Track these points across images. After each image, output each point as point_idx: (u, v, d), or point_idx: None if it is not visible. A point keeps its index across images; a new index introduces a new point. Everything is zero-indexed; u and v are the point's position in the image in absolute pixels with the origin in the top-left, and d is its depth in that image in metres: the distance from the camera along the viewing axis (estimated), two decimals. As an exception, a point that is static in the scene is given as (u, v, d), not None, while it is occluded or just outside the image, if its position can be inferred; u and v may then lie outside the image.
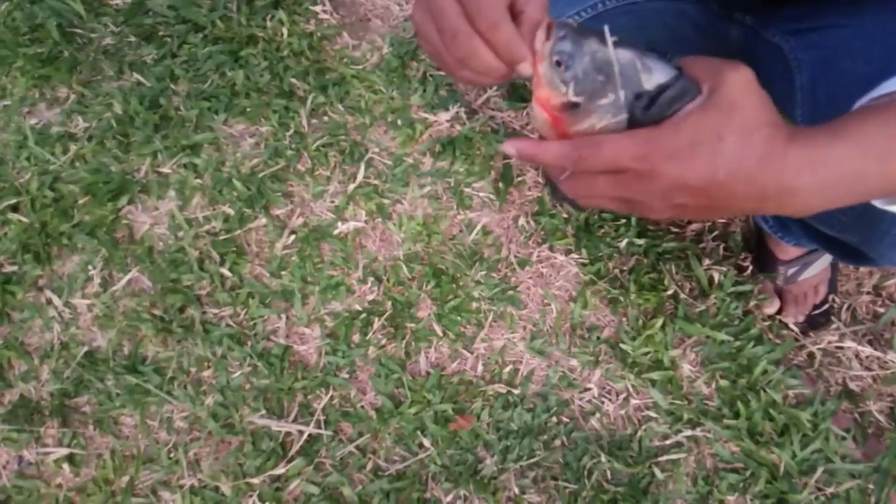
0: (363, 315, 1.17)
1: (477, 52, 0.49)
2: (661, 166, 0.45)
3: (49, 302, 1.23)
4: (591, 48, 0.46)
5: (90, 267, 1.24)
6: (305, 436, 1.10)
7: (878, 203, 0.51)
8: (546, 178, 0.57)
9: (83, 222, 1.27)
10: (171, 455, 1.12)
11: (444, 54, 0.51)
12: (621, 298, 1.15)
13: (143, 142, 1.33)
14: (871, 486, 1.02)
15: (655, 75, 0.46)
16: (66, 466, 1.12)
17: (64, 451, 1.12)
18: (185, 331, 1.18)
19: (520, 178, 1.25)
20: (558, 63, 0.47)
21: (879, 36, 0.63)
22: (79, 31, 1.46)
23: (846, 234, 0.71)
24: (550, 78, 0.47)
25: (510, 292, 1.17)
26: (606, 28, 0.47)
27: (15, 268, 1.25)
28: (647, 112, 0.46)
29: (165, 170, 1.31)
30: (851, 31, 0.66)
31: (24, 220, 1.28)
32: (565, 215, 1.19)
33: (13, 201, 1.29)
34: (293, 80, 1.36)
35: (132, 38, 1.44)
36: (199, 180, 1.30)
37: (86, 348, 1.19)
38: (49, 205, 1.29)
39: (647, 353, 1.10)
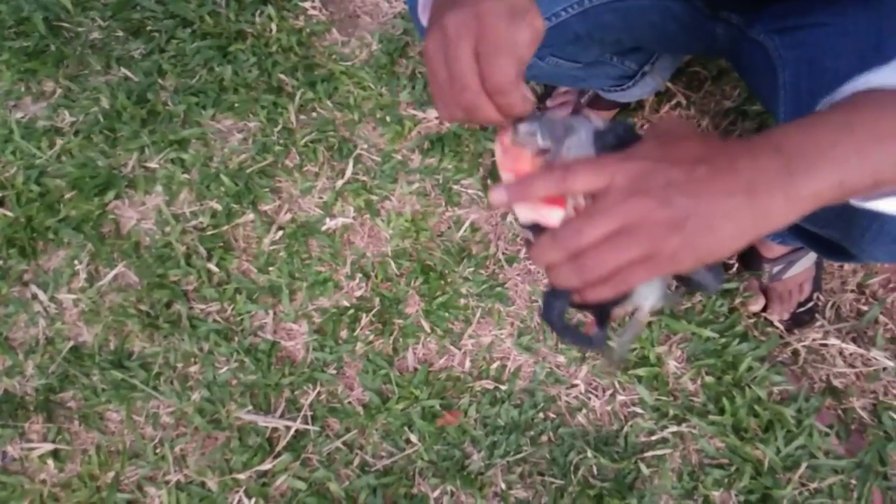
0: (351, 311, 1.17)
1: (481, 108, 0.51)
2: (648, 161, 0.46)
3: (34, 297, 1.23)
4: (543, 115, 0.53)
5: (76, 262, 1.24)
6: (292, 431, 1.10)
7: (854, 201, 0.51)
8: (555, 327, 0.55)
9: (69, 217, 1.26)
10: (157, 451, 1.11)
11: (446, 94, 0.52)
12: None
13: (131, 137, 1.32)
14: (853, 482, 1.03)
15: (599, 122, 0.52)
16: (50, 462, 1.12)
17: (49, 447, 1.12)
18: (171, 326, 1.17)
19: (508, 175, 1.25)
20: (520, 121, 0.53)
21: (861, 34, 0.64)
22: (65, 24, 1.45)
23: (828, 229, 0.71)
24: (519, 138, 0.52)
25: (498, 289, 1.17)
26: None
27: (0, 262, 1.25)
28: (611, 144, 0.51)
29: (153, 165, 1.30)
30: (834, 30, 0.66)
31: (10, 214, 1.27)
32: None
33: (-2, 195, 1.28)
34: (282, 76, 1.36)
35: (120, 33, 1.44)
36: (186, 175, 1.29)
37: (71, 343, 1.18)
38: (35, 199, 1.28)
39: (633, 350, 1.11)
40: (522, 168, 0.53)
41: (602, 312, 0.54)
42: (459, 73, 0.50)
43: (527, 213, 0.52)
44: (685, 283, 0.54)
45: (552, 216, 0.51)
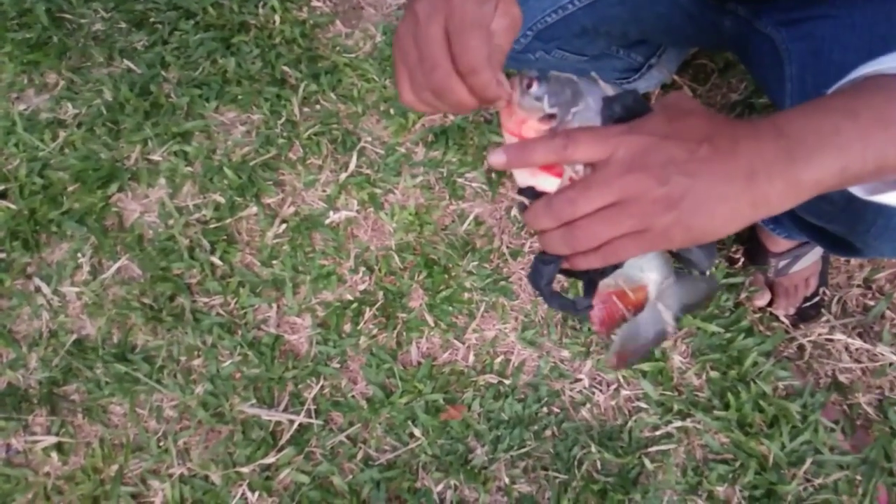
0: (354, 305, 1.17)
1: (452, 90, 0.50)
2: (651, 137, 0.46)
3: (38, 289, 1.23)
4: (553, 75, 0.52)
5: (79, 255, 1.24)
6: (296, 425, 1.10)
7: (860, 193, 0.51)
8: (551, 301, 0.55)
9: (72, 209, 1.26)
10: (161, 444, 1.11)
11: (415, 77, 0.51)
12: (613, 289, 1.15)
13: (134, 129, 1.32)
14: (858, 478, 1.02)
15: (609, 89, 0.51)
16: (54, 455, 1.12)
17: (52, 440, 1.12)
18: (174, 319, 1.17)
19: (512, 169, 1.24)
20: (528, 86, 0.51)
21: (869, 26, 0.63)
22: (68, 16, 1.44)
23: (833, 224, 0.71)
24: (526, 101, 0.51)
25: (502, 283, 1.17)
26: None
27: (3, 255, 1.25)
28: (618, 114, 0.50)
29: (156, 157, 1.30)
30: (840, 22, 0.65)
31: (13, 206, 1.27)
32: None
33: (1, 188, 1.28)
34: (285, 68, 1.35)
35: (123, 24, 1.43)
36: (189, 168, 1.29)
37: (75, 336, 1.18)
38: (38, 192, 1.28)
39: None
40: (526, 132, 0.52)
41: (590, 281, 0.55)
42: (429, 52, 0.49)
43: (525, 177, 0.52)
44: (677, 260, 0.54)
45: (549, 183, 0.51)
